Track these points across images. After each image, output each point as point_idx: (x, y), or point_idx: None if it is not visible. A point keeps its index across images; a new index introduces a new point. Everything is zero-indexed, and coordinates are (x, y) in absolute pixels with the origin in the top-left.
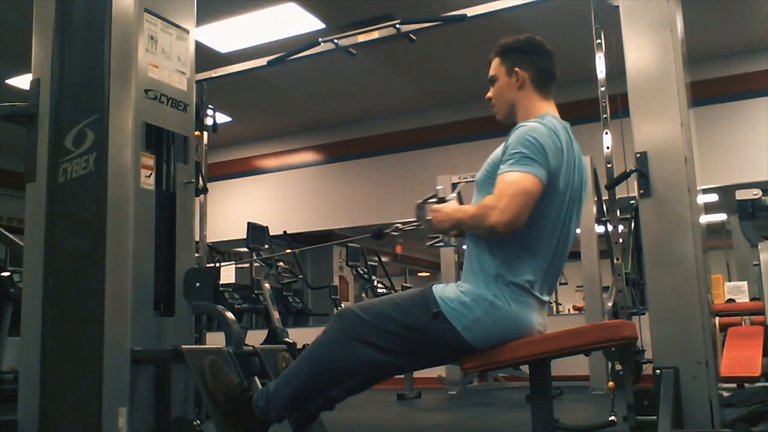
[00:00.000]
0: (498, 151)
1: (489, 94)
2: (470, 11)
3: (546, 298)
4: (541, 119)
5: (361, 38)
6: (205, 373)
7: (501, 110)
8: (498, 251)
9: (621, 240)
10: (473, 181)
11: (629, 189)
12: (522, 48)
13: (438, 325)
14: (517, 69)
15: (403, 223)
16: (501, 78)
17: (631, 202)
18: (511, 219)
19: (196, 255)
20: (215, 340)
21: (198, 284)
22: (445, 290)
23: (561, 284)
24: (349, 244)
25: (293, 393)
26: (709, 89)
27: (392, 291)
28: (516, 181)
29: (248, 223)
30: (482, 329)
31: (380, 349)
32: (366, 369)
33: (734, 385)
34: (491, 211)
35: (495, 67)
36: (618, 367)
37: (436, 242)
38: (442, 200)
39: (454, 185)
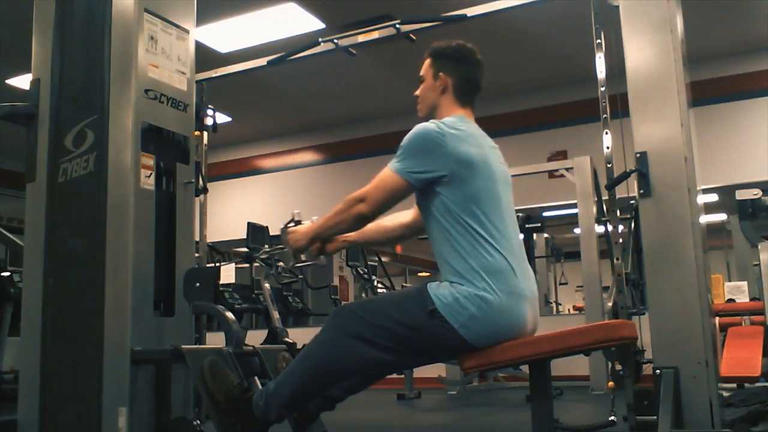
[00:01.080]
0: None
1: (416, 92)
2: (470, 11)
3: (528, 284)
4: (441, 119)
5: (361, 38)
6: (205, 373)
7: (423, 110)
8: (462, 248)
9: (621, 240)
10: None
11: (629, 189)
12: (450, 55)
13: (435, 323)
14: (441, 74)
15: (272, 248)
16: (427, 79)
17: (631, 202)
18: (374, 208)
19: (196, 255)
20: (215, 340)
21: (198, 284)
22: (440, 288)
23: (561, 284)
24: None
25: (293, 392)
26: (709, 89)
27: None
28: (383, 177)
29: (248, 223)
30: (478, 326)
31: (378, 346)
32: (365, 367)
33: (734, 385)
34: (358, 203)
35: (425, 67)
36: (618, 367)
37: (302, 262)
38: (298, 223)
39: None
